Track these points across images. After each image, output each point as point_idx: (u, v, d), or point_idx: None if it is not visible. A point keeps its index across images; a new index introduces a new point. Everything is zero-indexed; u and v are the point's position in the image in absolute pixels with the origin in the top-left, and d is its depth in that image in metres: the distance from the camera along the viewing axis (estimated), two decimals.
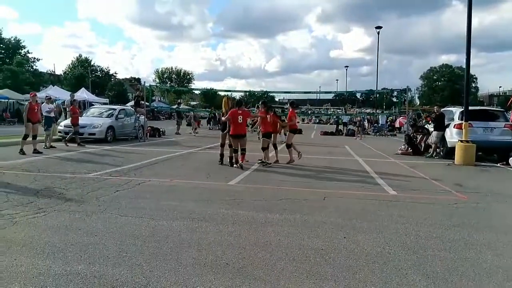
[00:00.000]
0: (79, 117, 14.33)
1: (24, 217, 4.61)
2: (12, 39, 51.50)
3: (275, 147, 10.66)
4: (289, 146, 10.57)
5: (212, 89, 66.41)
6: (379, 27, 37.04)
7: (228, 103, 9.98)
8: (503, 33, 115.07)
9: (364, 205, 5.88)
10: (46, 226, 4.32)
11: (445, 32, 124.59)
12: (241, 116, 9.27)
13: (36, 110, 11.39)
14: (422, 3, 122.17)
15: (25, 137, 11.08)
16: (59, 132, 14.74)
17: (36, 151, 10.88)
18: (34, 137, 11.15)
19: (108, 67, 68.01)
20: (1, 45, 50.94)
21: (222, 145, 10.03)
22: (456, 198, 6.55)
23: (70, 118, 14.03)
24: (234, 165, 9.39)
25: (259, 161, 9.99)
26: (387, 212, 5.45)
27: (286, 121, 11.89)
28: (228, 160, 9.58)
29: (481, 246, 4.09)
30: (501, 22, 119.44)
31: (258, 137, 10.92)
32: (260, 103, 10.52)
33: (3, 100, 30.35)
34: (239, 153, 9.57)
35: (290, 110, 11.39)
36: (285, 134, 19.43)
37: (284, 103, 67.11)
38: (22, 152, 10.61)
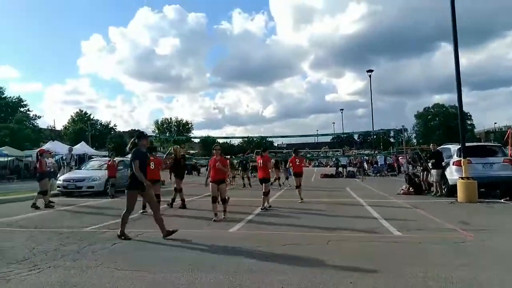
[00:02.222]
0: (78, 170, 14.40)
1: (18, 275, 4.45)
2: (13, 98, 52.65)
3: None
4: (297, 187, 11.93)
5: (210, 137, 66.91)
6: (371, 71, 38.17)
7: (177, 151, 11.36)
8: (493, 70, 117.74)
9: (369, 247, 5.72)
10: (39, 284, 4.16)
11: (436, 72, 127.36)
12: (153, 163, 9.56)
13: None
14: (412, 46, 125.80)
15: (45, 192, 11.37)
16: (58, 187, 14.65)
17: (36, 206, 10.87)
18: (44, 192, 11.37)
19: (108, 121, 69.02)
20: (2, 104, 51.93)
21: (179, 190, 10.94)
22: (462, 236, 6.39)
23: (107, 171, 14.49)
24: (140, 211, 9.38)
25: (262, 208, 10.00)
26: (392, 254, 5.30)
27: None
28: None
29: (492, 285, 3.93)
30: (490, 60, 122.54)
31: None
32: (262, 149, 11.72)
33: (2, 157, 30.39)
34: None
35: (292, 156, 12.79)
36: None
37: (283, 147, 67.56)
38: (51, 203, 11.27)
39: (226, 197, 8.98)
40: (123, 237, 6.42)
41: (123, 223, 6.56)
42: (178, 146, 12.31)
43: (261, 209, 9.96)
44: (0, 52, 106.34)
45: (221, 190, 8.70)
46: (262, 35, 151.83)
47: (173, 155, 11.37)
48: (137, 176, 6.37)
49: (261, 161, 10.74)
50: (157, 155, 11.61)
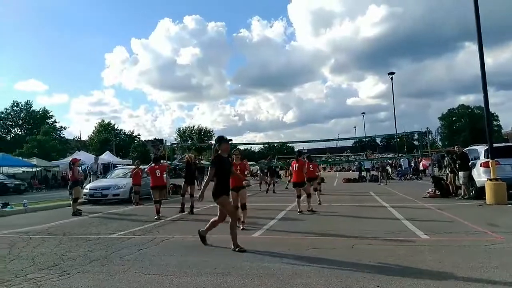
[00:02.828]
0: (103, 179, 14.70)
1: (48, 280, 4.59)
2: (40, 110, 54.50)
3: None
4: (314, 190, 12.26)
5: (231, 143, 67.09)
6: (392, 73, 37.54)
7: (190, 158, 12.50)
8: None
9: (395, 251, 5.61)
10: None
11: (461, 73, 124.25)
12: (158, 170, 10.78)
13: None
14: (434, 47, 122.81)
15: (77, 199, 12.05)
16: (84, 195, 15.02)
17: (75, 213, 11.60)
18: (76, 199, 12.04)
19: (131, 131, 70.42)
20: (30, 116, 53.81)
21: (182, 194, 12.02)
22: (492, 239, 6.20)
23: (132, 179, 14.68)
24: (155, 217, 10.02)
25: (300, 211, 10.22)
26: (420, 257, 5.18)
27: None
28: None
29: None
30: None
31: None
32: (297, 153, 11.81)
33: (31, 168, 31.45)
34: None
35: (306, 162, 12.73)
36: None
37: (304, 153, 67.26)
38: (79, 210, 11.77)
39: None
40: (237, 249, 5.81)
41: (232, 233, 5.98)
42: (191, 154, 13.26)
43: (308, 210, 10.29)
44: (28, 67, 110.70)
45: (241, 196, 8.18)
46: (282, 41, 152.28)
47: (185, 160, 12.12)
48: (204, 184, 6.14)
49: (296, 165, 10.65)
50: (164, 162, 12.35)
